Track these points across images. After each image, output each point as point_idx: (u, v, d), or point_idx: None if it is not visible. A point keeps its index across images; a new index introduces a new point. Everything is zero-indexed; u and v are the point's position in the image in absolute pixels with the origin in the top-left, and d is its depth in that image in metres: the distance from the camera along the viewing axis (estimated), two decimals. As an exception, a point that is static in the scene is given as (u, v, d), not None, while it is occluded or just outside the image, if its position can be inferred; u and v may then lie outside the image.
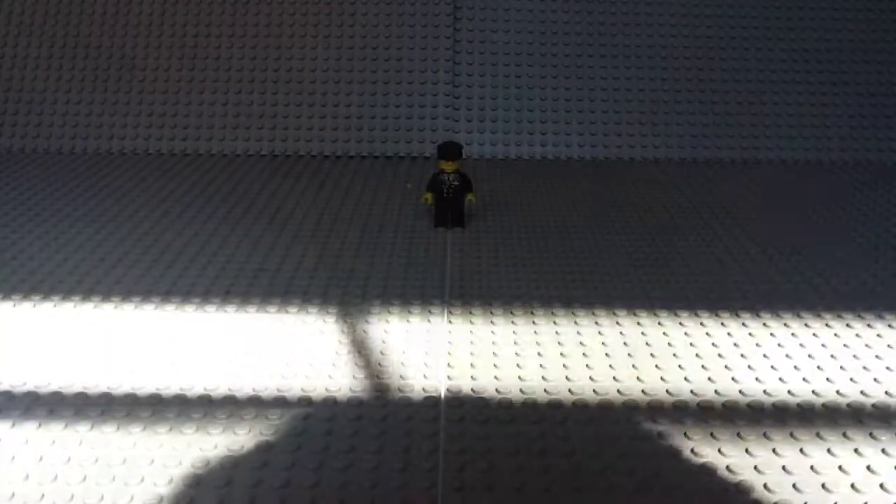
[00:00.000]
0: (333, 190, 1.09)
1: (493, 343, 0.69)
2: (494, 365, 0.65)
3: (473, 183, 0.94)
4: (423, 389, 0.61)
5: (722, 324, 0.72)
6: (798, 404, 0.61)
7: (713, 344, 0.69)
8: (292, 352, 0.67)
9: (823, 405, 0.61)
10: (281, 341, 0.68)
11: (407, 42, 1.33)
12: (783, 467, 0.53)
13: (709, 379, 0.64)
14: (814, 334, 0.71)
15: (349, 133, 1.27)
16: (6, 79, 1.33)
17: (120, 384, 0.61)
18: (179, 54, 1.33)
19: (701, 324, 0.72)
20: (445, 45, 1.32)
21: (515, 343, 0.69)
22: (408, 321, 0.72)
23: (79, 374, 0.63)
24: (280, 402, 0.59)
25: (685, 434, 0.57)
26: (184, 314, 0.73)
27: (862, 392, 0.62)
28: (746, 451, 0.55)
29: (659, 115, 1.30)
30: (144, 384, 0.61)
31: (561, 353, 0.67)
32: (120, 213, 0.98)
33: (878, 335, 0.71)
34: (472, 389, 0.62)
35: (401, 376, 0.63)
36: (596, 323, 0.72)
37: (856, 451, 0.55)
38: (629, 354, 0.67)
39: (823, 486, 0.52)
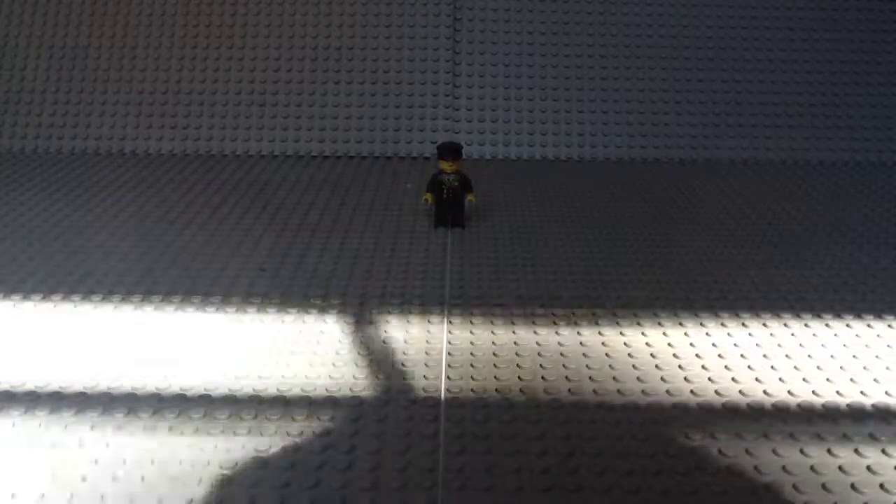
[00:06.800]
0: (333, 190, 1.09)
1: (493, 343, 0.69)
2: (494, 365, 0.65)
3: (473, 183, 0.94)
4: (423, 389, 0.61)
5: (722, 324, 0.73)
6: (798, 404, 0.61)
7: (713, 344, 0.69)
8: (292, 352, 0.67)
9: (823, 405, 0.61)
10: (281, 342, 0.68)
11: (407, 42, 1.33)
12: (783, 467, 0.53)
13: (709, 379, 0.64)
14: (813, 334, 0.71)
15: (349, 133, 1.27)
16: (6, 79, 1.33)
17: (120, 384, 0.61)
18: (180, 54, 1.33)
19: (701, 324, 0.72)
20: (445, 45, 1.32)
21: (515, 343, 0.69)
22: (408, 321, 0.72)
23: (79, 373, 0.63)
24: (280, 403, 0.59)
25: (685, 434, 0.57)
26: (184, 314, 0.73)
27: (862, 392, 0.62)
28: (747, 451, 0.55)
29: (659, 115, 1.30)
30: (144, 385, 0.61)
31: (561, 354, 0.67)
32: (120, 213, 0.98)
33: (877, 335, 0.71)
34: (471, 389, 0.62)
35: (401, 376, 0.63)
36: (596, 323, 0.72)
37: (856, 451, 0.55)
38: (629, 355, 0.67)
39: (823, 486, 0.52)
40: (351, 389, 0.61)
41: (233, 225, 0.95)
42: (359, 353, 0.66)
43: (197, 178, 1.14)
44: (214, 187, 1.09)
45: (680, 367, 0.65)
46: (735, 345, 0.69)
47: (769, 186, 1.14)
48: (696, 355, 0.67)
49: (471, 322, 0.72)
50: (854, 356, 0.67)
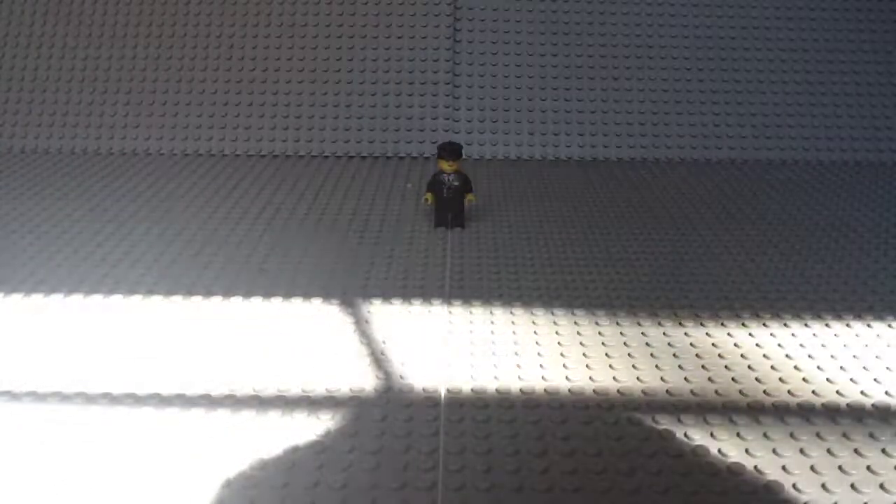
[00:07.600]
0: (333, 190, 1.09)
1: (493, 343, 0.69)
2: (494, 365, 0.65)
3: (473, 183, 0.94)
4: (423, 389, 0.62)
5: (722, 324, 0.73)
6: (798, 404, 0.61)
7: (713, 344, 0.69)
8: (292, 352, 0.67)
9: (823, 405, 0.61)
10: (281, 341, 0.68)
11: (407, 42, 1.33)
12: (783, 467, 0.54)
13: (709, 379, 0.64)
14: (813, 334, 0.71)
15: (349, 133, 1.27)
16: (6, 79, 1.33)
17: (120, 384, 0.61)
18: (180, 54, 1.33)
19: (701, 324, 0.72)
20: (445, 45, 1.32)
21: (515, 343, 0.69)
22: (408, 321, 0.72)
23: (79, 373, 0.63)
24: (280, 403, 0.60)
25: (685, 434, 0.57)
26: (184, 314, 0.73)
27: (862, 392, 0.62)
28: (746, 451, 0.55)
29: (659, 115, 1.30)
30: (144, 384, 0.61)
31: (561, 354, 0.67)
32: (120, 213, 0.98)
33: (877, 335, 0.71)
34: (471, 389, 0.62)
35: (401, 376, 0.63)
36: (596, 323, 0.72)
37: (856, 451, 0.55)
38: (629, 354, 0.67)
39: (823, 486, 0.52)
40: (351, 389, 0.61)
41: (233, 225, 0.95)
42: (359, 353, 0.66)
43: (197, 178, 1.14)
44: (214, 187, 1.09)
45: (680, 366, 0.65)
46: (735, 345, 0.69)
47: (769, 186, 1.14)
48: (696, 355, 0.67)
49: (471, 322, 0.72)
50: (854, 356, 0.68)
